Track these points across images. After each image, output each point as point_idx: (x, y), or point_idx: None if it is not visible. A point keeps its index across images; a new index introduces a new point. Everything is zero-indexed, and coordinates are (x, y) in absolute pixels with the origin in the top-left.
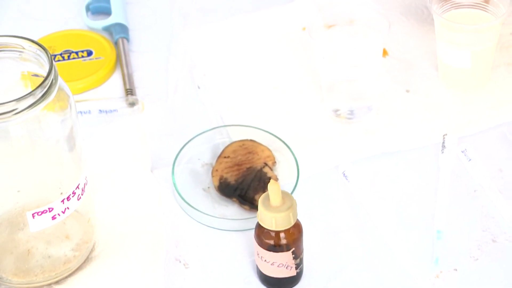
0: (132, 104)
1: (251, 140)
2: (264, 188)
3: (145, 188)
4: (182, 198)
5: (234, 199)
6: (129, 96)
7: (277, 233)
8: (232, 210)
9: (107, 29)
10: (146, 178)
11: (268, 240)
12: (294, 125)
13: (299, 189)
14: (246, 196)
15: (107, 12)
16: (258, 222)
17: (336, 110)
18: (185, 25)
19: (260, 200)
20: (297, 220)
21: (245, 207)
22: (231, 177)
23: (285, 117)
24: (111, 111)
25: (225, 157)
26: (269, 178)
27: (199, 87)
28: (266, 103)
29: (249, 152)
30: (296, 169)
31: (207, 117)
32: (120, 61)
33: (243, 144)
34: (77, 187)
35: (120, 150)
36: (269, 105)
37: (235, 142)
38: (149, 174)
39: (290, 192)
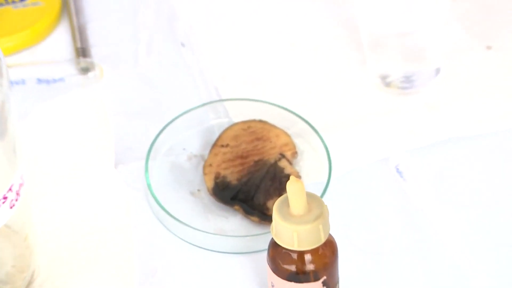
0: (85, 70)
1: (260, 121)
2: (280, 191)
3: (107, 192)
4: (161, 206)
5: (237, 206)
6: (81, 58)
7: (301, 254)
8: (233, 223)
9: None
10: (107, 177)
11: (288, 265)
12: (322, 98)
13: (332, 192)
14: (254, 202)
15: None
16: (272, 240)
17: (385, 77)
18: None
19: (276, 207)
20: (330, 235)
21: (253, 218)
22: (231, 175)
23: (309, 88)
24: (55, 80)
25: (222, 145)
26: (288, 176)
27: (183, 45)
28: (280, 67)
29: (258, 139)
30: (327, 162)
31: (195, 89)
32: (68, 7)
33: (248, 127)
34: (10, 189)
35: (69, 138)
36: (284, 70)
37: (237, 124)
38: (112, 172)
39: (319, 195)
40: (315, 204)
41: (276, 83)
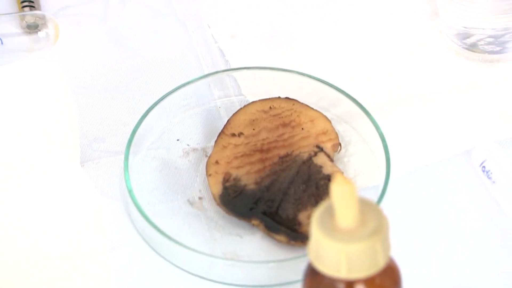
0: (33, 28)
1: (287, 99)
2: (317, 198)
3: (70, 201)
4: (148, 221)
5: (255, 221)
6: (26, 10)
7: (351, 285)
8: (250, 244)
9: None
10: (70, 180)
11: None
12: (375, 68)
13: (391, 199)
14: (280, 214)
15: None
16: (310, 265)
17: (465, 37)
18: None
19: (315, 218)
20: (391, 259)
21: (279, 237)
22: (247, 177)
23: (355, 52)
24: None
25: (233, 134)
26: (328, 177)
27: None
28: (312, 21)
29: (284, 125)
30: (383, 158)
31: (191, 52)
32: None
33: (270, 108)
34: None
35: (13, 126)
36: (319, 26)
37: (254, 103)
38: (77, 172)
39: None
40: (371, 215)
41: (308, 44)
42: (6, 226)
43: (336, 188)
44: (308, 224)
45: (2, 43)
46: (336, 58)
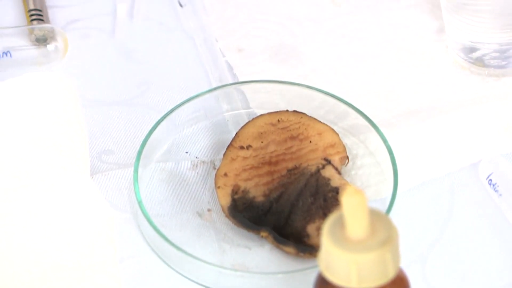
0: (42, 41)
1: (295, 113)
2: (325, 211)
3: (80, 212)
4: (158, 232)
5: (264, 233)
6: (36, 24)
7: None
8: (259, 255)
9: None
10: (80, 191)
11: None
12: (382, 82)
13: (398, 212)
14: (289, 226)
15: None
16: (320, 276)
17: (471, 51)
18: None
19: (326, 229)
20: (400, 270)
21: (287, 249)
22: (255, 189)
23: (363, 66)
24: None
25: (242, 147)
26: (335, 190)
27: (181, 5)
28: (319, 35)
29: (293, 138)
30: (391, 171)
31: (200, 66)
32: None
33: (278, 121)
34: None
35: (23, 138)
36: (326, 39)
37: (262, 116)
38: (87, 184)
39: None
40: (381, 225)
41: (315, 58)
42: (17, 236)
43: (347, 199)
44: (317, 236)
45: (11, 56)
46: (343, 71)
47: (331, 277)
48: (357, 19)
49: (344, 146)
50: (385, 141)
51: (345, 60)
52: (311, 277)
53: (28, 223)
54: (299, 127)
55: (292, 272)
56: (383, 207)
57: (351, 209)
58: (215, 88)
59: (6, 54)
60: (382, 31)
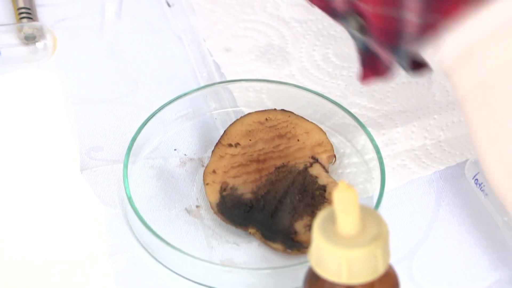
0: (31, 39)
1: (283, 112)
2: (312, 208)
3: (69, 208)
4: (147, 227)
5: (252, 229)
6: (25, 22)
7: None
8: (247, 251)
9: None
10: (70, 187)
11: None
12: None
13: (385, 210)
14: (276, 223)
15: None
16: (310, 270)
17: None
18: None
19: (317, 224)
20: (390, 266)
21: (275, 245)
22: (244, 186)
23: (350, 64)
24: None
25: (230, 145)
26: (322, 188)
27: (169, 5)
28: (307, 33)
29: (280, 136)
30: (378, 169)
31: (187, 65)
32: None
33: (266, 120)
34: None
35: (13, 136)
36: (314, 37)
37: (250, 115)
38: (77, 180)
39: None
40: (372, 222)
41: (302, 58)
42: (6, 232)
43: (338, 195)
44: (304, 233)
45: (0, 53)
46: (330, 71)
47: (322, 272)
48: None
49: (331, 145)
50: (372, 140)
51: (331, 60)
52: (299, 273)
53: (18, 218)
54: (287, 125)
55: (280, 268)
56: (370, 205)
57: (342, 205)
58: (203, 87)
59: None
60: None
